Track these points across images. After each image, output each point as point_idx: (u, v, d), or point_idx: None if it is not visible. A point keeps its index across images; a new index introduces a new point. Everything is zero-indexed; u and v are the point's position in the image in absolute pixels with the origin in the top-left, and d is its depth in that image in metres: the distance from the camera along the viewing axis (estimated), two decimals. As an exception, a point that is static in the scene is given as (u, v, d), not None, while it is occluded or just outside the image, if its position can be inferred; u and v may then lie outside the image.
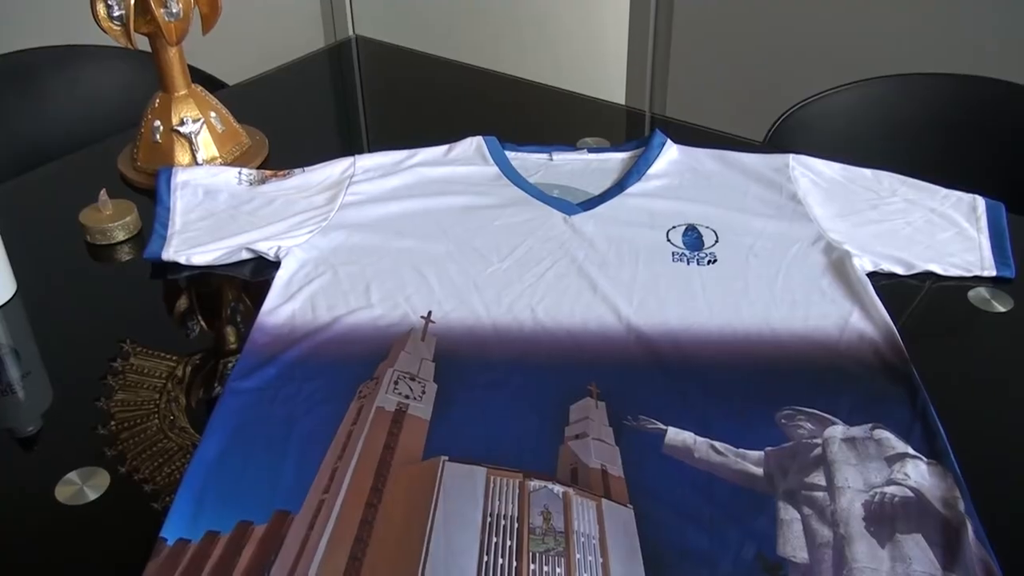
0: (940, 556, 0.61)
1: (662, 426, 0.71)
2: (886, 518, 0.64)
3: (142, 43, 1.03)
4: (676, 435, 0.70)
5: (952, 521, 0.63)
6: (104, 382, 0.78)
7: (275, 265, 0.90)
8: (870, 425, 0.71)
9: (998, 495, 0.67)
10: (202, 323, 0.87)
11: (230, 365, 0.79)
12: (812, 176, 1.00)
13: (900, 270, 0.89)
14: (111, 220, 0.97)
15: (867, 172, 1.01)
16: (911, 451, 0.69)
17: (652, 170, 1.02)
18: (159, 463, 0.71)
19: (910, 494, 0.65)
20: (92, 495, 0.68)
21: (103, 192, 0.98)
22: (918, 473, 0.67)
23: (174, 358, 0.81)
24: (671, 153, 1.04)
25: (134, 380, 0.79)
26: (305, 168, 1.02)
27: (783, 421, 0.72)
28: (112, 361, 0.81)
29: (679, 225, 0.94)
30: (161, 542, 0.62)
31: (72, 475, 0.69)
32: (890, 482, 0.66)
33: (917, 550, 0.61)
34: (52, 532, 0.66)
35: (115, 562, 0.64)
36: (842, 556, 0.61)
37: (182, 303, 0.90)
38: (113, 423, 0.74)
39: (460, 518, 0.63)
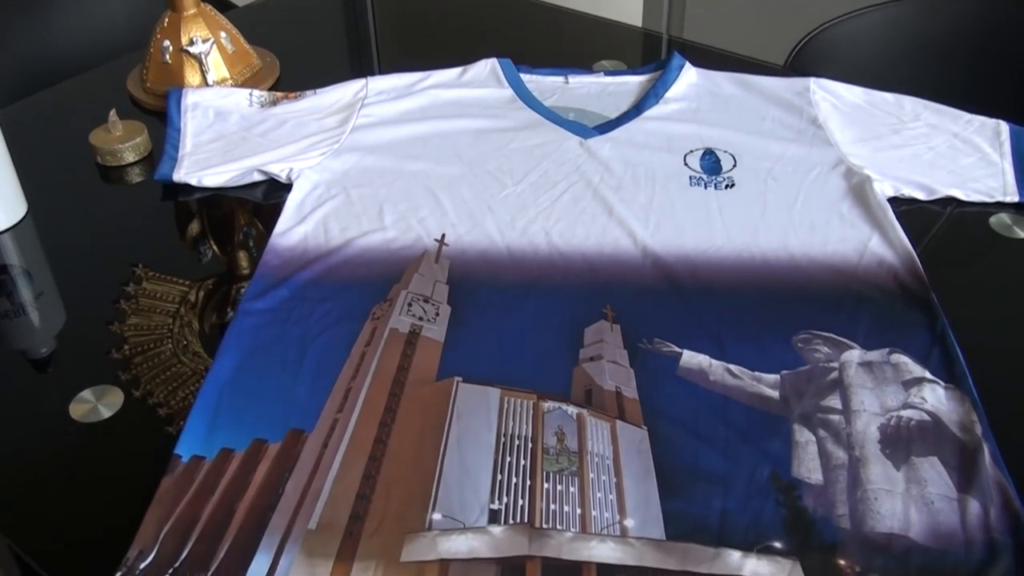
0: (956, 479, 0.61)
1: (677, 349, 0.71)
2: (902, 441, 0.63)
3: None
4: (691, 358, 0.70)
5: (968, 444, 0.63)
6: (117, 306, 0.78)
7: (287, 187, 0.89)
8: (887, 349, 0.70)
9: (1015, 419, 0.66)
10: (214, 247, 0.86)
11: (243, 290, 0.79)
12: (833, 100, 0.98)
13: (921, 195, 0.87)
14: (121, 141, 0.96)
15: (889, 96, 0.98)
16: (928, 375, 0.68)
17: (670, 93, 1.00)
18: (173, 387, 0.71)
19: (927, 418, 0.65)
20: (106, 413, 0.68)
21: (113, 113, 0.97)
22: (935, 397, 0.66)
23: (187, 283, 0.81)
24: (689, 76, 1.02)
25: (147, 304, 0.79)
26: (317, 90, 1.01)
27: (800, 345, 0.71)
28: (124, 285, 0.80)
29: (697, 149, 0.92)
30: (176, 458, 0.62)
31: (86, 393, 0.70)
32: (907, 406, 0.66)
33: (933, 472, 0.61)
34: (68, 449, 0.67)
35: (130, 477, 0.64)
36: (857, 478, 0.61)
37: (194, 226, 0.89)
38: (127, 347, 0.74)
39: (474, 438, 0.63)
